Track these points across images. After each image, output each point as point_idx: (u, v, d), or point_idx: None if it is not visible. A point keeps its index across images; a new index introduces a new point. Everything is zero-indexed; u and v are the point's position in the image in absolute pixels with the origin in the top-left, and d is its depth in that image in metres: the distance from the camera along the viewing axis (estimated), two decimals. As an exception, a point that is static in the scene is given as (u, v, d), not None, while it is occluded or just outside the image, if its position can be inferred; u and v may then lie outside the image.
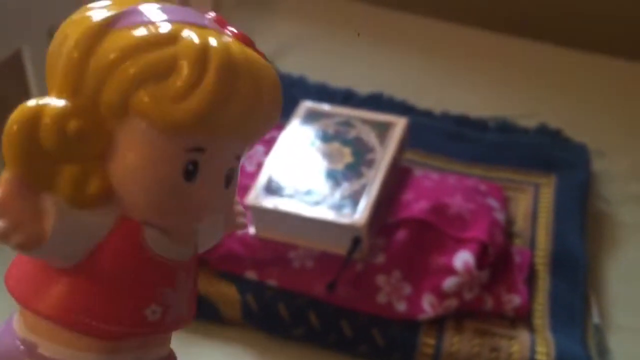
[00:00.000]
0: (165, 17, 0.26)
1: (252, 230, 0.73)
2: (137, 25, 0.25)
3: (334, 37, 1.16)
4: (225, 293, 0.71)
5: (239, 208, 0.34)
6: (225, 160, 0.27)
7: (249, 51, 0.27)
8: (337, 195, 0.72)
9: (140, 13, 0.26)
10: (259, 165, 0.79)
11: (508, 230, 0.79)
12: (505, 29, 1.16)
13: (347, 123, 0.80)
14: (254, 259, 0.72)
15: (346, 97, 0.97)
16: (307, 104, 0.83)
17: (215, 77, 0.24)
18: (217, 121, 0.25)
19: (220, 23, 0.28)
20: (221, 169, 0.28)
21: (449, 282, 0.69)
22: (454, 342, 0.68)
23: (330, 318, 0.69)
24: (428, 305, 0.69)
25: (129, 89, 0.24)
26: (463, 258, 0.70)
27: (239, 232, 0.73)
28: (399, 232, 0.73)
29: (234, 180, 0.29)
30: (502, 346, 0.67)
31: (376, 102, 0.96)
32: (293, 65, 1.04)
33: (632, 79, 1.09)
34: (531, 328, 0.70)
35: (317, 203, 0.71)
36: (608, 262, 0.80)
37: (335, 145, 0.78)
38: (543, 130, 0.92)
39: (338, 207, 0.71)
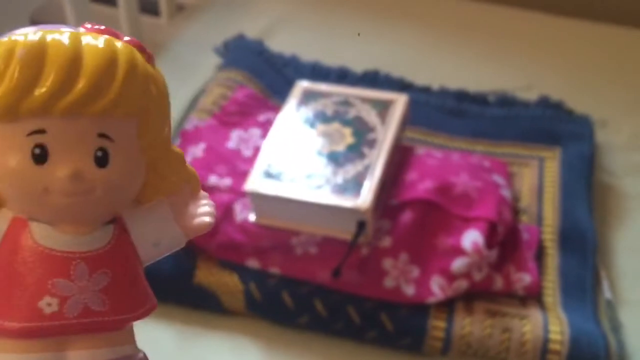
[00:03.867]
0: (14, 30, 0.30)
1: (252, 217, 0.71)
2: None
3: (324, 14, 1.13)
4: (227, 283, 0.69)
5: (205, 209, 0.33)
6: (81, 140, 0.29)
7: (75, 39, 0.29)
8: (340, 178, 0.70)
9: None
10: (257, 150, 0.77)
11: (514, 207, 0.77)
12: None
13: (346, 102, 0.78)
14: (255, 246, 0.70)
15: (341, 76, 0.94)
16: (303, 84, 0.81)
17: (15, 65, 0.28)
18: (32, 102, 0.28)
19: (88, 29, 0.31)
20: (79, 148, 0.29)
21: (457, 263, 0.67)
22: (464, 324, 0.66)
23: (336, 305, 0.67)
24: (437, 288, 0.67)
25: None
26: (471, 238, 0.68)
27: (237, 220, 0.71)
28: (404, 214, 0.71)
29: (116, 159, 0.30)
30: (514, 326, 0.66)
31: (372, 79, 0.93)
32: (284, 44, 1.01)
33: (631, 46, 1.06)
34: (542, 306, 0.68)
35: (319, 187, 0.69)
36: (615, 235, 0.79)
37: (335, 125, 0.75)
38: (544, 103, 0.90)
39: (341, 191, 0.68)
